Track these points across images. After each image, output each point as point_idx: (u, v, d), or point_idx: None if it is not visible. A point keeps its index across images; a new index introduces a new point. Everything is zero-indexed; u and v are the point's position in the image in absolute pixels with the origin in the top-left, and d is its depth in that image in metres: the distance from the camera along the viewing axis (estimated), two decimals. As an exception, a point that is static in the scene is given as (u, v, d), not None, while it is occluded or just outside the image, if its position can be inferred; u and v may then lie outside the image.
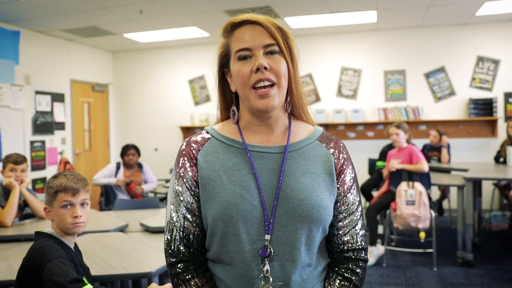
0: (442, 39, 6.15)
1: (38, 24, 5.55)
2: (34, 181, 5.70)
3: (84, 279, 1.51)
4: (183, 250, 1.06)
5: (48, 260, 1.50)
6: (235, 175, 1.03)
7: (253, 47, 1.01)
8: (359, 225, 1.10)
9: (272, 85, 1.01)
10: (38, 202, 3.02)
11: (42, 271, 1.48)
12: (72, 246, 1.70)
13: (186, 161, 1.08)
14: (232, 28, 1.06)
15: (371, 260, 4.03)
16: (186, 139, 1.13)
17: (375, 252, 4.08)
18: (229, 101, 1.14)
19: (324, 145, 1.11)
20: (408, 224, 3.87)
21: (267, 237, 1.00)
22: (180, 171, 1.08)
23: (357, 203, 1.11)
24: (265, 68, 1.00)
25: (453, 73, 6.14)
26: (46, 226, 1.73)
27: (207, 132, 1.12)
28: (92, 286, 1.44)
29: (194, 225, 1.06)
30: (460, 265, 3.91)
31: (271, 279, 1.00)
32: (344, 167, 1.10)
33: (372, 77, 6.44)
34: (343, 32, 6.49)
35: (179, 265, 1.06)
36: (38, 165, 5.83)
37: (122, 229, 2.71)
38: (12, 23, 5.41)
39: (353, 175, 1.12)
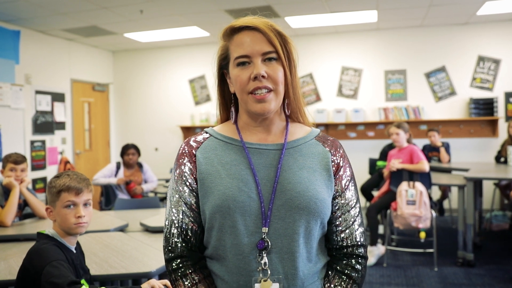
0: (442, 38, 6.15)
1: (39, 24, 5.55)
2: (34, 181, 5.70)
3: (83, 281, 1.51)
4: (181, 246, 1.07)
5: (47, 263, 1.50)
6: (233, 170, 1.05)
7: (252, 54, 1.03)
8: (358, 222, 1.11)
9: (269, 91, 1.03)
10: (38, 201, 3.01)
11: (41, 273, 1.48)
12: (73, 247, 1.70)
13: (186, 159, 1.10)
14: (231, 32, 1.07)
15: (372, 260, 4.02)
16: (186, 139, 1.15)
17: (375, 252, 4.08)
18: (228, 101, 1.16)
19: (321, 143, 1.13)
20: (409, 224, 3.86)
21: (264, 229, 1.01)
22: (180, 168, 1.10)
23: (355, 200, 1.12)
24: (262, 76, 1.02)
25: (454, 73, 6.14)
26: (46, 226, 1.73)
27: (206, 132, 1.15)
28: (89, 286, 1.44)
29: (193, 221, 1.08)
30: (460, 265, 3.91)
31: (269, 272, 1.00)
32: (341, 164, 1.12)
33: (373, 76, 6.44)
34: (344, 31, 6.48)
35: (177, 260, 1.07)
36: (38, 164, 5.83)
37: (122, 229, 2.71)
38: (12, 22, 5.41)
39: (350, 173, 1.14)
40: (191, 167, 1.09)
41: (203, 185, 1.06)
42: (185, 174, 1.09)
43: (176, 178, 1.10)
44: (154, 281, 1.66)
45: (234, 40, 1.06)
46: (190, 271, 1.06)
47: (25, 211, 3.09)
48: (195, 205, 1.08)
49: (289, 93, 1.08)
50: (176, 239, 1.08)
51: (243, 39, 1.04)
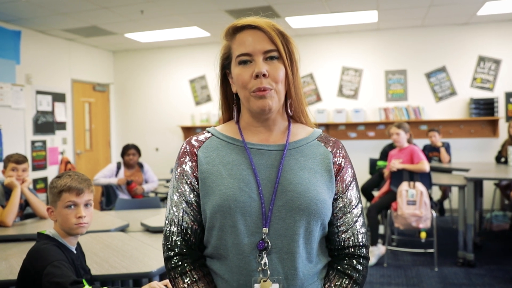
0: (443, 39, 6.15)
1: (39, 24, 5.56)
2: (35, 181, 5.71)
3: (84, 281, 1.51)
4: (180, 244, 1.07)
5: (48, 263, 1.50)
6: (234, 170, 1.05)
7: (253, 53, 1.04)
8: (360, 222, 1.11)
9: (270, 89, 1.04)
10: (39, 201, 3.01)
11: (41, 274, 1.48)
12: (73, 248, 1.70)
13: (187, 157, 1.10)
14: (234, 32, 1.08)
15: (372, 260, 4.02)
16: (188, 138, 1.15)
17: (376, 252, 4.08)
18: (231, 101, 1.16)
19: (322, 144, 1.13)
20: (409, 224, 3.86)
21: (265, 230, 1.01)
22: (181, 167, 1.10)
23: (357, 201, 1.12)
24: (263, 75, 1.02)
25: (454, 73, 6.14)
26: (47, 226, 1.73)
27: (208, 132, 1.15)
28: (91, 287, 1.44)
29: (193, 219, 1.08)
30: (461, 265, 3.91)
31: (269, 272, 1.00)
32: (343, 165, 1.12)
33: (373, 77, 6.44)
34: (344, 32, 6.48)
35: (176, 258, 1.07)
36: (39, 165, 5.84)
37: (123, 229, 2.71)
38: (13, 23, 5.41)
39: (352, 173, 1.14)
40: (192, 166, 1.09)
41: (204, 185, 1.06)
42: (186, 173, 1.09)
43: (177, 176, 1.11)
44: (155, 283, 1.66)
45: (236, 39, 1.07)
46: (189, 268, 1.05)
47: (26, 211, 3.09)
48: (195, 204, 1.08)
49: (291, 92, 1.08)
50: (175, 237, 1.07)
51: (245, 38, 1.05)
